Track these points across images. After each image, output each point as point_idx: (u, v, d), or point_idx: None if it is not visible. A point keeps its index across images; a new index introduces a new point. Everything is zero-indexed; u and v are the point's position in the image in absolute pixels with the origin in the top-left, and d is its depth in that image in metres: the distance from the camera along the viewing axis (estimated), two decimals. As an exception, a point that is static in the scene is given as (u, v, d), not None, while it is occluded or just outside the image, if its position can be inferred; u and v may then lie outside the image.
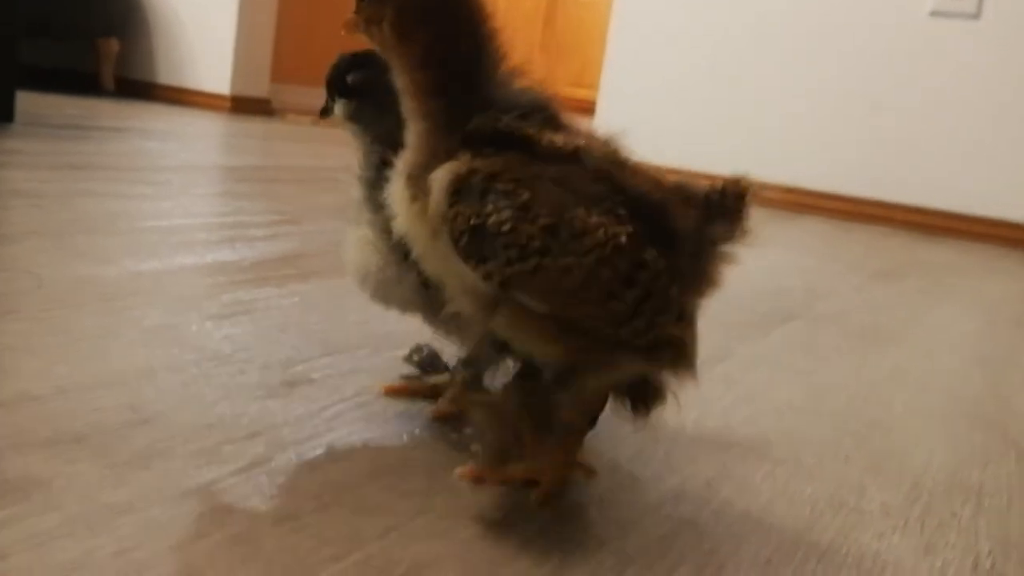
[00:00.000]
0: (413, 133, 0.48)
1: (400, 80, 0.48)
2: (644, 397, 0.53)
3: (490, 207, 0.44)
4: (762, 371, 0.85)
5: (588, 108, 6.03)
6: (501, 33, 0.50)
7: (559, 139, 0.46)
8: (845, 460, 0.65)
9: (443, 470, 0.52)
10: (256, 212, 1.30)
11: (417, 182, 0.47)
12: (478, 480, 0.49)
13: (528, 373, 0.52)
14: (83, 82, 3.23)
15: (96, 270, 0.87)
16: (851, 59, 2.42)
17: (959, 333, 1.15)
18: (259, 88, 3.23)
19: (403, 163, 0.48)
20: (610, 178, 0.46)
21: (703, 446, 0.64)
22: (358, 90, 0.57)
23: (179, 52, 3.19)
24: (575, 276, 0.44)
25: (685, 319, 0.48)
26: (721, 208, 0.48)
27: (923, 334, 1.12)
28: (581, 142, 0.47)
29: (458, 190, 0.45)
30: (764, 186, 0.50)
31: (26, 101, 2.04)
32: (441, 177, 0.46)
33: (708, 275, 0.48)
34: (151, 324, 0.73)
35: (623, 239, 0.44)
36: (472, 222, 0.44)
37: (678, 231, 0.46)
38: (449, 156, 0.46)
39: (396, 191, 0.49)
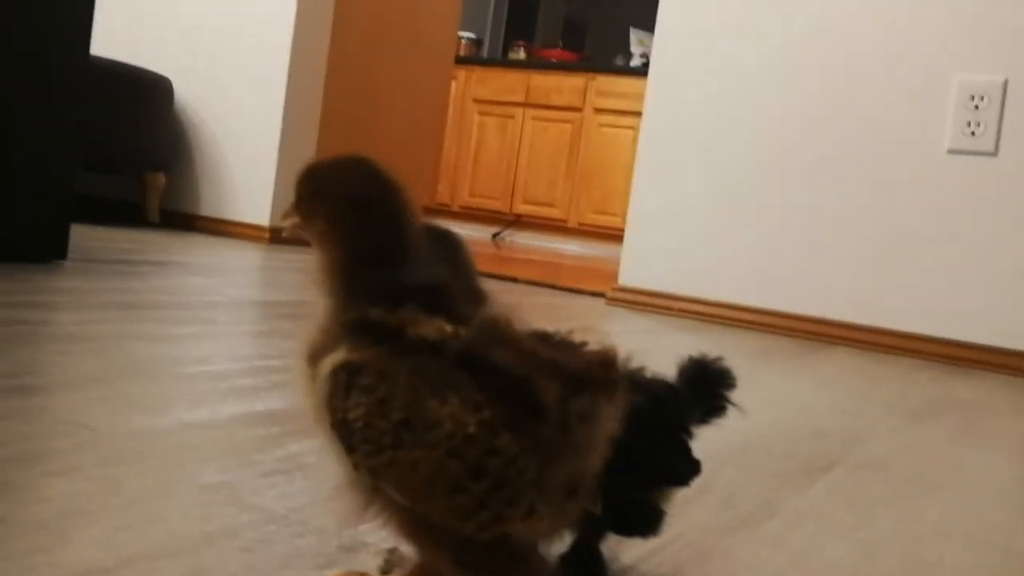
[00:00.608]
0: (319, 310, 0.50)
1: (317, 255, 0.51)
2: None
3: (351, 402, 0.46)
4: (809, 528, 0.85)
5: (610, 235, 6.12)
6: (415, 223, 0.51)
7: (427, 328, 0.47)
8: (901, 631, 0.64)
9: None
10: (299, 354, 1.32)
11: (314, 364, 0.49)
12: None
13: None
14: (130, 213, 3.35)
15: (150, 421, 0.89)
16: (874, 193, 2.47)
17: (1002, 481, 1.14)
18: (296, 220, 3.32)
19: (304, 343, 0.50)
20: (475, 361, 0.47)
21: (757, 616, 0.64)
22: None
23: (222, 186, 3.31)
24: (424, 469, 0.45)
25: (536, 513, 0.47)
26: (587, 380, 0.48)
27: (965, 482, 1.11)
28: (449, 329, 0.47)
29: (333, 384, 0.47)
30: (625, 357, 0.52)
31: (77, 234, 2.12)
32: (323, 368, 0.48)
33: (575, 448, 0.48)
34: (206, 482, 0.74)
35: (471, 428, 0.45)
36: (339, 416, 0.47)
37: (542, 405, 0.47)
38: (338, 342, 0.48)
39: (297, 371, 0.50)
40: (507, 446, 0.45)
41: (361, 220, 0.50)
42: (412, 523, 0.49)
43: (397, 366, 0.46)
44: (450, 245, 0.57)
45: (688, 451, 0.63)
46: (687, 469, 0.63)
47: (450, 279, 0.51)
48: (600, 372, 0.49)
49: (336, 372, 0.47)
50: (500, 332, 0.49)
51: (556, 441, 0.47)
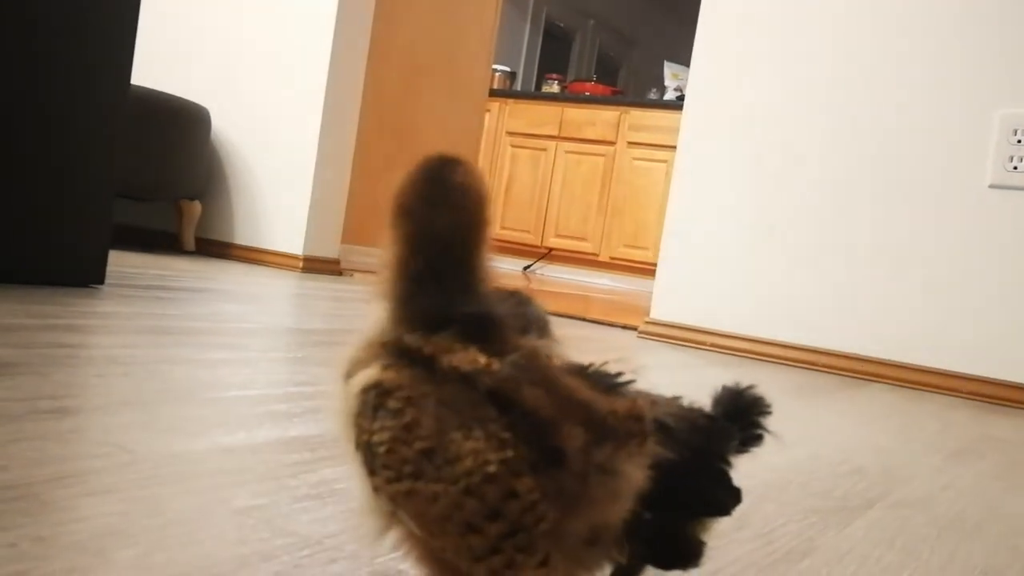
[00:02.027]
0: (369, 326, 0.49)
1: (386, 253, 0.49)
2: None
3: (377, 424, 0.45)
4: (849, 567, 0.83)
5: (642, 269, 6.11)
6: (480, 250, 0.49)
7: (461, 359, 0.46)
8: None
9: None
10: (333, 381, 1.33)
11: (348, 380, 0.48)
12: None
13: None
14: (165, 241, 3.39)
15: (186, 444, 0.89)
16: (913, 229, 2.45)
17: (1048, 523, 1.12)
18: (330, 249, 3.35)
19: (344, 359, 0.49)
20: (506, 397, 0.45)
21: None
22: None
23: (256, 215, 3.34)
24: (441, 503, 0.44)
25: (551, 563, 0.45)
26: (611, 429, 0.46)
27: (1009, 525, 1.08)
28: (483, 361, 0.46)
29: (362, 402, 0.46)
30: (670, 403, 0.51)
31: (114, 260, 2.14)
32: (354, 385, 0.47)
33: (593, 499, 0.45)
34: (241, 505, 0.74)
35: (492, 468, 0.43)
36: (364, 438, 0.45)
37: (564, 451, 0.45)
38: (374, 360, 0.47)
39: (333, 388, 0.49)
40: (528, 491, 0.44)
41: (414, 232, 0.48)
42: (430, 557, 0.47)
43: (427, 393, 0.45)
44: (521, 299, 0.57)
45: (729, 479, 0.63)
46: (728, 498, 0.62)
47: (501, 311, 0.49)
48: (626, 424, 0.47)
49: (366, 391, 0.46)
50: (536, 369, 0.47)
51: (576, 490, 0.45)
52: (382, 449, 0.45)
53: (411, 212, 0.48)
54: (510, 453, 0.44)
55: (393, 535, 0.48)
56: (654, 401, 0.57)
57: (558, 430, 0.45)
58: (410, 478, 0.44)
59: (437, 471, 0.44)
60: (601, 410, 0.47)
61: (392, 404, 0.45)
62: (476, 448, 0.43)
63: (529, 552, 0.44)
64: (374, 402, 0.46)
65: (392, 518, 0.47)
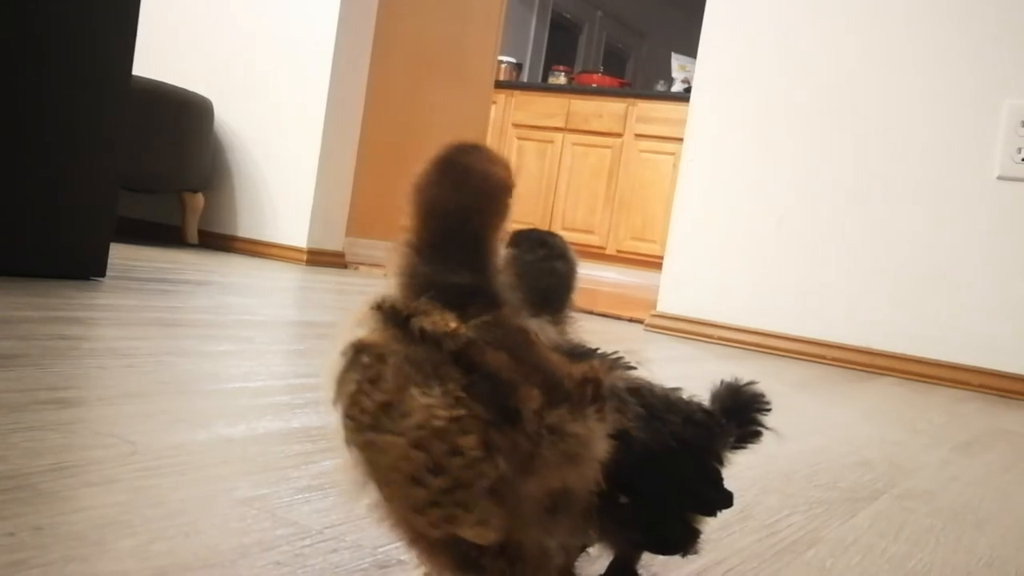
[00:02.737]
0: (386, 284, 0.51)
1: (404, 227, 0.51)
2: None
3: (348, 378, 0.47)
4: (853, 557, 0.82)
5: (649, 262, 6.09)
6: (489, 225, 0.51)
7: (430, 321, 0.47)
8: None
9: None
10: (336, 373, 1.32)
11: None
12: None
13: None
14: (168, 234, 3.39)
15: (188, 436, 0.89)
16: (921, 220, 2.43)
17: (1055, 515, 1.11)
18: (334, 242, 3.35)
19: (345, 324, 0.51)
20: (469, 360, 0.46)
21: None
22: None
23: (260, 207, 3.34)
24: (391, 455, 0.45)
25: (489, 523, 0.45)
26: (566, 392, 0.47)
27: (1015, 516, 1.08)
28: (452, 325, 0.47)
29: (342, 360, 0.48)
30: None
31: (116, 253, 2.14)
32: (340, 345, 0.49)
33: (546, 460, 0.46)
34: (243, 496, 0.74)
35: (439, 423, 0.45)
36: (336, 390, 0.48)
37: (520, 412, 0.46)
38: (364, 324, 0.50)
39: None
40: (471, 448, 0.44)
41: (424, 210, 0.50)
42: (399, 519, 0.48)
43: (396, 351, 0.47)
44: (552, 248, 0.59)
45: (719, 479, 0.62)
46: (716, 498, 0.61)
47: (496, 285, 0.50)
48: (581, 388, 0.47)
49: (347, 350, 0.48)
50: (503, 335, 0.48)
51: (529, 450, 0.45)
52: (347, 401, 0.47)
53: (421, 189, 0.50)
54: (461, 411, 0.45)
55: (370, 492, 0.49)
56: (613, 367, 0.57)
57: (515, 392, 0.46)
58: (369, 429, 0.46)
59: (392, 424, 0.45)
60: (558, 374, 0.48)
61: (363, 360, 0.47)
62: (428, 404, 0.45)
63: (467, 509, 0.45)
64: (350, 359, 0.48)
65: (367, 476, 0.48)
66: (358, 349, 0.48)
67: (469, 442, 0.44)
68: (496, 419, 0.45)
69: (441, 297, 0.48)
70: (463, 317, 0.48)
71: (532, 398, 0.46)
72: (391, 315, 0.48)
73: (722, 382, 0.67)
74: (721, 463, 0.63)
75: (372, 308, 0.49)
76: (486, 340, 0.47)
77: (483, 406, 0.45)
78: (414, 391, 0.45)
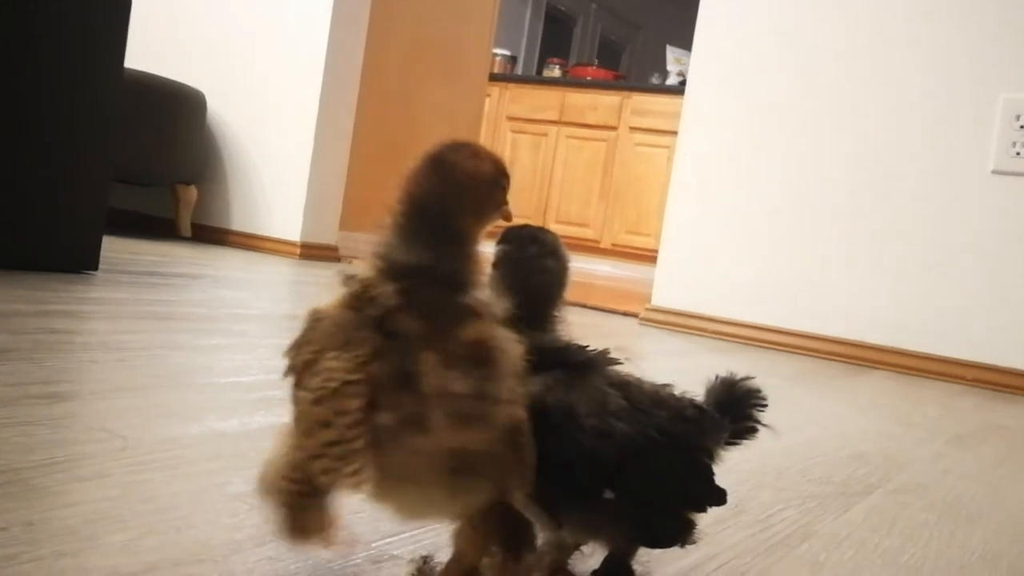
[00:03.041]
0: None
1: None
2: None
3: (296, 338, 0.53)
4: (847, 551, 0.82)
5: (644, 256, 6.08)
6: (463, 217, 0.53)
7: (365, 291, 0.51)
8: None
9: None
10: (330, 366, 1.32)
11: None
12: None
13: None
14: (161, 227, 3.38)
15: (180, 430, 0.89)
16: (915, 215, 2.44)
17: (1048, 509, 1.11)
18: (328, 235, 3.34)
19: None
20: (385, 324, 0.50)
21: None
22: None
23: (253, 200, 3.33)
24: (299, 407, 0.51)
25: (360, 474, 0.49)
26: (460, 357, 0.50)
27: (1009, 510, 1.08)
28: (375, 294, 0.51)
29: (302, 323, 0.53)
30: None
31: (109, 246, 2.13)
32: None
33: (439, 421, 0.49)
34: (235, 491, 0.74)
35: (334, 385, 0.49)
36: (287, 349, 0.53)
37: (415, 375, 0.49)
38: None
39: None
40: (355, 410, 0.48)
41: (404, 198, 0.54)
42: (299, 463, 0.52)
43: (330, 316, 0.51)
44: (543, 245, 0.60)
45: (710, 475, 0.61)
46: (706, 494, 0.61)
47: (461, 267, 0.53)
48: (474, 350, 0.50)
49: (306, 315, 0.53)
50: (430, 304, 0.51)
51: (418, 413, 0.49)
52: (288, 358, 0.52)
53: (407, 179, 0.54)
54: (357, 376, 0.49)
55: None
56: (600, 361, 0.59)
57: (416, 356, 0.49)
58: (295, 384, 0.52)
59: (307, 381, 0.50)
60: (459, 337, 0.50)
61: (306, 323, 0.53)
62: (331, 367, 0.49)
63: (346, 461, 0.48)
64: (305, 323, 0.53)
65: None
66: (311, 315, 0.53)
67: (354, 404, 0.48)
68: (392, 381, 0.49)
69: (396, 273, 0.51)
70: (403, 291, 0.51)
71: (427, 361, 0.49)
72: (351, 288, 0.53)
73: (717, 377, 0.67)
74: (712, 459, 0.62)
75: (341, 283, 0.53)
76: (407, 308, 0.50)
77: (388, 368, 0.49)
78: (329, 353, 0.50)
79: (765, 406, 0.67)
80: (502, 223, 0.57)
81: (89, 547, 0.59)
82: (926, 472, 1.22)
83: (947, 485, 1.16)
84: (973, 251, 2.36)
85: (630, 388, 0.59)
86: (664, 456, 0.58)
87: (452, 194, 0.53)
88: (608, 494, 0.57)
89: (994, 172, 2.35)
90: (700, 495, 0.60)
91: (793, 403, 1.68)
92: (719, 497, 0.61)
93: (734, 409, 0.65)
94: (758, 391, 0.66)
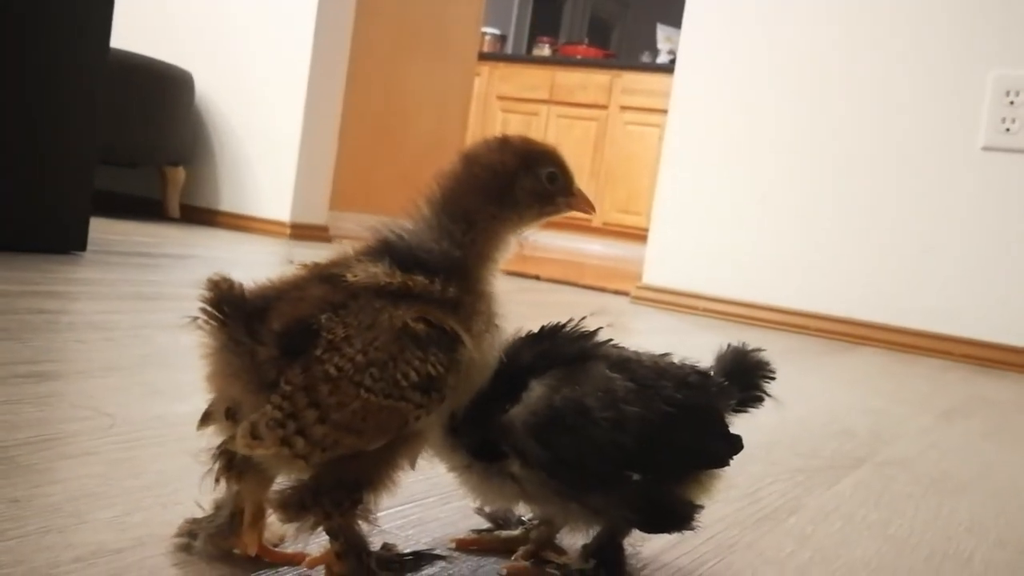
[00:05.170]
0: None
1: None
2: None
3: None
4: (834, 524, 0.83)
5: (635, 234, 6.08)
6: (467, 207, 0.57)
7: (355, 273, 0.54)
8: (931, 629, 0.62)
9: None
10: (319, 345, 1.32)
11: None
12: None
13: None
14: (149, 208, 3.36)
15: (167, 408, 0.88)
16: (905, 191, 2.44)
17: (1035, 481, 1.12)
18: (318, 215, 3.33)
19: None
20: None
21: (782, 611, 0.62)
22: None
23: (242, 181, 3.31)
24: None
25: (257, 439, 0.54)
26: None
27: (996, 482, 1.08)
28: (328, 264, 0.57)
29: None
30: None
31: (97, 227, 2.12)
32: None
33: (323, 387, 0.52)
34: (222, 468, 0.73)
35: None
36: None
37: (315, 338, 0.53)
38: None
39: None
40: (295, 377, 0.53)
41: (434, 189, 0.57)
42: None
43: (312, 290, 0.57)
44: None
45: (724, 427, 0.62)
46: (724, 447, 0.61)
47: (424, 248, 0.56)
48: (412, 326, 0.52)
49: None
50: (380, 286, 0.54)
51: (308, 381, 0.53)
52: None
53: (437, 177, 0.57)
54: (271, 349, 0.55)
55: None
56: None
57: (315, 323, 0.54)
58: None
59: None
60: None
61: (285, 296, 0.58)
62: (270, 327, 0.56)
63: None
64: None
65: None
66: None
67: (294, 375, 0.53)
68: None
69: (372, 253, 0.56)
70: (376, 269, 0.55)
71: (333, 331, 0.53)
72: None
73: (729, 346, 0.67)
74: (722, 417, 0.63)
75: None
76: (319, 275, 0.57)
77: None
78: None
79: (773, 377, 0.68)
80: (579, 215, 0.61)
81: (75, 523, 0.58)
82: (913, 446, 1.23)
83: (934, 459, 1.17)
84: (963, 227, 2.37)
85: (631, 365, 0.59)
86: (679, 426, 0.58)
87: (469, 184, 0.56)
88: (634, 477, 0.57)
89: (984, 148, 2.35)
90: (720, 452, 0.61)
91: (783, 379, 1.68)
92: (737, 445, 0.61)
93: (743, 378, 0.66)
94: (767, 363, 0.67)
